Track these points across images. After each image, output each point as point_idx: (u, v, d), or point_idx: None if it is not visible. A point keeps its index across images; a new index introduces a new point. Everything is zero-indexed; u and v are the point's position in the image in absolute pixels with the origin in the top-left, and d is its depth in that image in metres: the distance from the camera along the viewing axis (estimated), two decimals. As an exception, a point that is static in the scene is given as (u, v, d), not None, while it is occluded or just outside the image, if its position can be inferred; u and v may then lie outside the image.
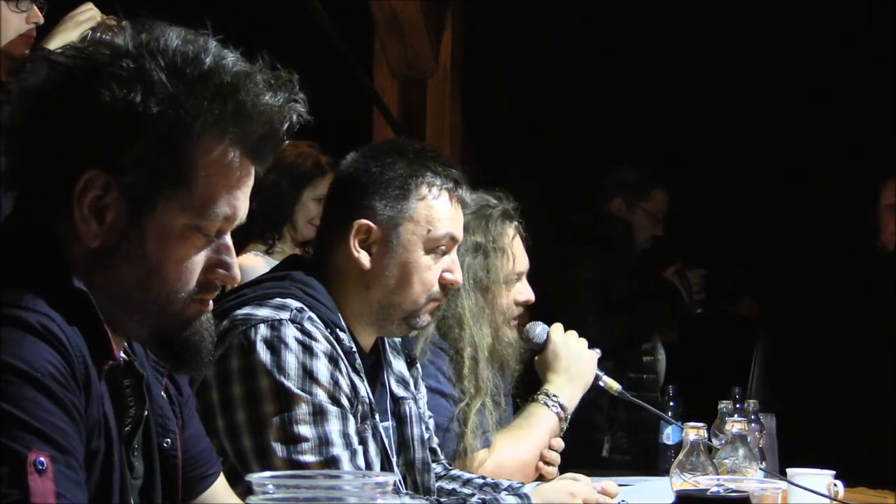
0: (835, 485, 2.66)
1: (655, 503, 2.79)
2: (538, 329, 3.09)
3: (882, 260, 4.43)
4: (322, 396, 2.20)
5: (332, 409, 2.21)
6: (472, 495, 2.55)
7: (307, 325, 2.25)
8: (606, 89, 5.90)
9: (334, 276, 2.39)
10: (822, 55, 5.64)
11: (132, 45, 1.54)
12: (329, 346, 2.26)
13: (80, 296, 1.51)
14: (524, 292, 3.02)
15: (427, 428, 2.62)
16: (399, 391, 2.53)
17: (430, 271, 2.40)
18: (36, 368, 1.41)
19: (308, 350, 2.22)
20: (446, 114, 5.52)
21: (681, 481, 2.48)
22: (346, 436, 2.21)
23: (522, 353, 3.05)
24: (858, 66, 5.58)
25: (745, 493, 1.73)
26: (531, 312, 3.28)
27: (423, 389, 2.70)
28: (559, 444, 3.02)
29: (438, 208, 2.39)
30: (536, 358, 3.09)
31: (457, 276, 2.46)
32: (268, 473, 1.27)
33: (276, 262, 3.07)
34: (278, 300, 2.29)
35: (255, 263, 3.75)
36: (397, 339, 2.60)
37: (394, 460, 2.41)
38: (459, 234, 2.46)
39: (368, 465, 2.28)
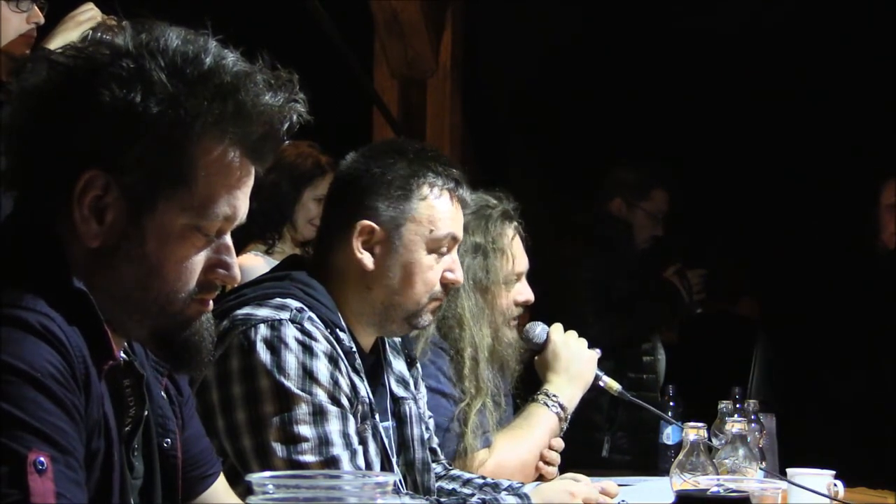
0: (835, 485, 2.66)
1: (655, 503, 2.78)
2: (538, 329, 3.09)
3: (882, 260, 4.43)
4: (322, 396, 2.20)
5: (332, 409, 2.21)
6: (472, 495, 2.55)
7: (307, 325, 2.25)
8: (606, 89, 5.90)
9: (335, 276, 2.39)
10: (822, 55, 5.64)
11: (132, 45, 1.54)
12: (329, 346, 2.26)
13: (80, 296, 1.51)
14: (524, 293, 3.02)
15: (427, 428, 2.62)
16: (399, 391, 2.53)
17: (432, 271, 2.40)
18: (36, 368, 1.41)
19: (308, 350, 2.22)
20: (446, 114, 5.52)
21: (681, 481, 2.48)
22: (346, 436, 2.21)
23: (522, 353, 3.05)
24: (858, 66, 5.58)
25: (745, 493, 1.73)
26: (531, 312, 3.28)
27: (423, 389, 2.70)
28: (559, 444, 3.02)
29: (440, 208, 2.40)
30: (536, 358, 3.09)
31: (458, 275, 2.47)
32: (268, 473, 1.27)
33: (276, 262, 3.07)
34: (278, 300, 2.29)
35: (255, 263, 3.75)
36: (397, 339, 2.60)
37: (394, 460, 2.41)
38: (460, 234, 2.47)
39: (368, 465, 2.28)
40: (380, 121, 5.28)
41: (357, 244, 2.35)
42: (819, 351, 4.49)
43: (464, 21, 5.66)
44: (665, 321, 4.99)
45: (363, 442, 2.28)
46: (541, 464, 2.97)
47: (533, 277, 3.08)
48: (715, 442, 2.94)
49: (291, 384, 2.19)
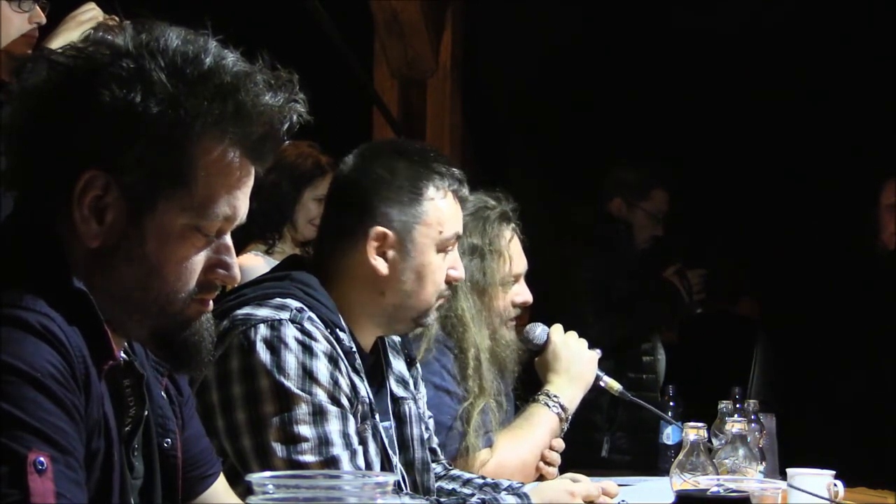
0: (835, 485, 2.66)
1: (655, 503, 2.79)
2: (538, 330, 3.09)
3: (882, 260, 4.43)
4: (322, 396, 2.20)
5: (332, 409, 2.21)
6: (472, 495, 2.55)
7: (307, 325, 2.25)
8: (606, 89, 5.90)
9: (343, 280, 2.39)
10: (822, 55, 5.64)
11: (132, 45, 1.54)
12: (329, 346, 2.26)
13: (80, 296, 1.51)
14: (522, 294, 3.02)
15: (427, 428, 2.62)
16: (399, 391, 2.53)
17: (441, 271, 2.43)
18: (36, 368, 1.41)
19: (308, 350, 2.22)
20: (446, 114, 5.52)
21: (681, 481, 2.48)
22: (345, 436, 2.21)
23: (522, 353, 3.05)
24: (858, 66, 5.58)
25: (745, 493, 1.73)
26: (531, 313, 3.28)
27: (422, 389, 2.70)
28: (560, 444, 3.02)
29: (446, 209, 2.41)
30: (537, 359, 3.10)
31: (460, 272, 2.49)
32: (268, 473, 1.27)
33: (276, 262, 3.07)
34: (278, 300, 2.29)
35: (255, 263, 3.75)
36: (397, 339, 2.60)
37: (394, 460, 2.41)
38: (461, 231, 2.48)
39: (368, 465, 2.28)
40: (380, 121, 5.29)
41: (371, 251, 2.36)
42: (819, 351, 4.49)
43: (464, 21, 5.66)
44: (665, 321, 4.99)
45: (363, 442, 2.28)
46: (541, 464, 2.97)
47: (533, 278, 3.08)
48: (715, 442, 2.94)
49: (291, 384, 2.19)
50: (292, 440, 2.17)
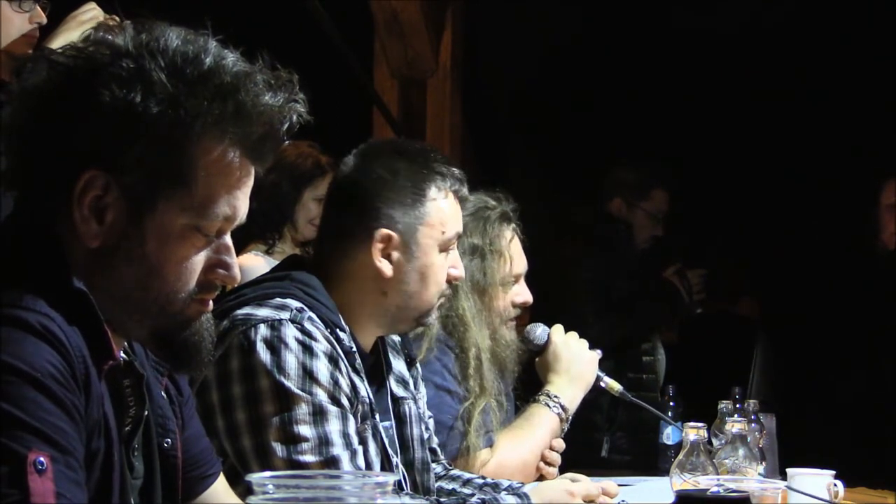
0: (835, 485, 2.66)
1: (655, 503, 2.79)
2: (539, 330, 3.09)
3: (882, 260, 4.43)
4: (322, 396, 2.20)
5: (332, 409, 2.21)
6: (472, 495, 2.56)
7: (307, 325, 2.25)
8: (606, 89, 5.90)
9: (345, 280, 2.39)
10: (822, 55, 5.64)
11: (132, 45, 1.54)
12: (329, 346, 2.26)
13: (80, 296, 1.51)
14: (522, 294, 3.02)
15: (427, 428, 2.62)
16: (399, 391, 2.53)
17: (443, 271, 2.44)
18: (36, 368, 1.41)
19: (308, 350, 2.22)
20: (446, 114, 5.52)
21: (681, 481, 2.48)
22: (346, 436, 2.21)
23: (523, 354, 3.05)
24: (858, 66, 5.58)
25: (745, 493, 1.73)
26: (531, 313, 3.28)
27: (422, 389, 2.70)
28: (560, 444, 3.02)
29: (447, 209, 2.42)
30: (537, 359, 3.10)
31: (460, 270, 2.51)
32: (268, 473, 1.27)
33: (276, 262, 3.07)
34: (278, 300, 2.29)
35: (255, 263, 3.75)
36: (396, 339, 2.60)
37: (394, 460, 2.41)
38: (461, 230, 2.49)
39: (368, 465, 2.28)
40: (380, 121, 5.28)
41: (376, 253, 2.36)
42: (819, 351, 4.49)
43: (464, 21, 5.66)
44: (665, 321, 4.99)
45: (363, 442, 2.28)
46: (541, 464, 2.97)
47: (533, 278, 3.08)
48: (715, 442, 2.94)
49: (291, 384, 2.19)
50: (292, 440, 2.17)
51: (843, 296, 4.45)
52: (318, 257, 2.49)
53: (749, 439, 2.82)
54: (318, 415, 2.19)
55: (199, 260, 1.59)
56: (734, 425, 2.77)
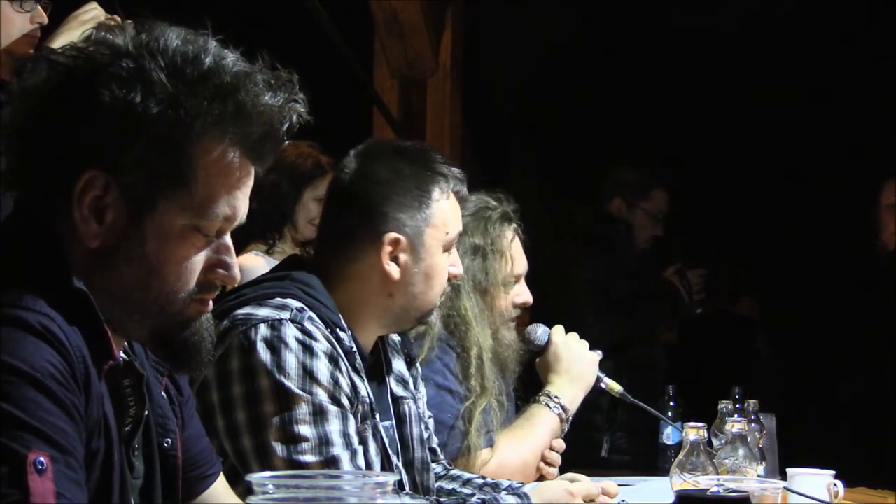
0: (835, 485, 2.66)
1: (655, 503, 2.79)
2: (539, 331, 3.09)
3: (882, 260, 4.43)
4: (322, 396, 2.20)
5: (333, 409, 2.21)
6: (472, 495, 2.55)
7: (307, 324, 2.25)
8: (606, 89, 5.90)
9: (347, 281, 2.39)
10: (822, 55, 5.64)
11: (132, 45, 1.54)
12: (329, 346, 2.26)
13: (80, 296, 1.51)
14: (522, 294, 3.03)
15: (427, 427, 2.62)
16: (398, 391, 2.53)
17: (446, 270, 2.46)
18: (36, 368, 1.41)
19: (308, 350, 2.22)
20: (446, 114, 5.52)
21: (681, 481, 2.48)
22: (346, 436, 2.21)
23: (523, 354, 3.05)
24: (858, 66, 5.59)
25: (745, 493, 1.73)
26: (532, 313, 3.28)
27: (422, 389, 2.70)
28: (560, 444, 3.02)
29: (449, 210, 2.43)
30: (538, 360, 3.10)
31: (460, 268, 2.52)
32: (268, 473, 1.27)
33: (276, 262, 3.07)
34: (278, 300, 2.29)
35: (255, 263, 3.75)
36: (396, 339, 2.60)
37: (394, 460, 2.41)
38: (461, 229, 2.51)
39: (368, 465, 2.28)
40: (380, 121, 5.28)
41: (385, 256, 2.36)
42: (819, 351, 4.50)
43: (464, 21, 5.66)
44: (665, 321, 4.99)
45: (363, 442, 2.28)
46: (542, 464, 2.97)
47: (533, 278, 3.08)
48: (715, 442, 2.94)
49: (292, 384, 2.19)
50: (292, 440, 2.17)
51: (843, 296, 4.46)
52: (318, 258, 2.49)
53: (749, 439, 2.82)
54: (319, 415, 2.19)
55: (199, 260, 1.59)
56: (734, 425, 2.77)
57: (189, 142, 1.54)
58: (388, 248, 2.36)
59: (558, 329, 3.11)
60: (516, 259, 3.00)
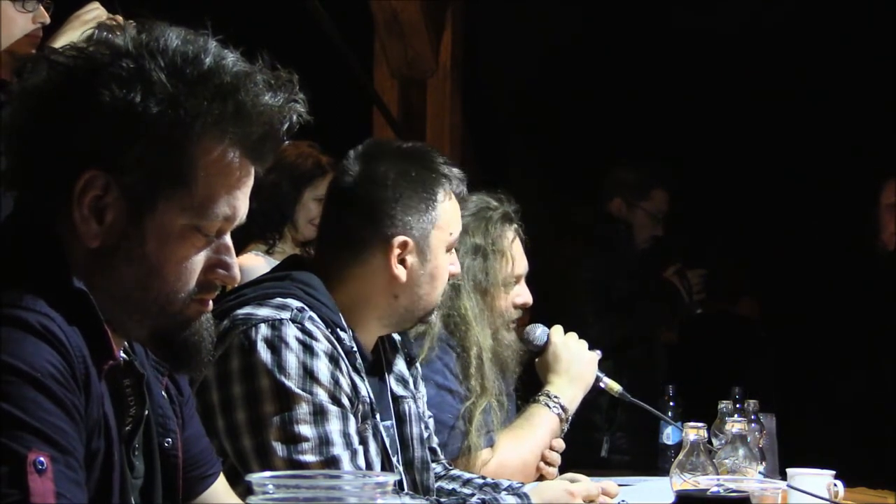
0: (835, 485, 2.66)
1: (655, 503, 2.79)
2: (538, 331, 3.09)
3: (882, 260, 4.43)
4: (322, 396, 2.20)
5: (333, 409, 2.21)
6: (472, 495, 2.55)
7: (308, 324, 2.25)
8: (606, 89, 5.90)
9: (350, 282, 2.39)
10: (822, 55, 5.64)
11: (132, 45, 1.54)
12: (330, 346, 2.26)
13: (80, 296, 1.51)
14: (522, 295, 3.03)
15: (427, 427, 2.62)
16: (399, 390, 2.53)
17: (447, 270, 2.47)
18: (36, 368, 1.41)
19: (309, 350, 2.22)
20: (446, 114, 5.52)
21: (681, 481, 2.48)
22: (346, 435, 2.21)
23: (523, 354, 3.05)
24: (858, 66, 5.59)
25: (745, 493, 1.73)
26: (532, 313, 3.28)
27: (422, 389, 2.70)
28: (560, 444, 3.02)
29: (451, 210, 2.44)
30: (537, 360, 3.09)
31: (458, 267, 2.53)
32: (268, 473, 1.27)
33: (276, 262, 3.07)
34: (279, 300, 2.28)
35: (255, 263, 3.75)
36: (397, 338, 2.60)
37: (394, 460, 2.41)
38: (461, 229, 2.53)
39: (369, 465, 2.28)
40: (380, 121, 5.28)
41: (393, 259, 2.37)
42: (819, 351, 4.50)
43: (464, 21, 5.66)
44: (665, 321, 4.99)
45: (363, 442, 2.28)
46: (541, 464, 2.97)
47: (533, 278, 3.08)
48: (715, 442, 2.94)
49: (292, 384, 2.19)
50: (293, 440, 2.17)
51: (843, 296, 4.46)
52: (319, 258, 2.49)
53: (749, 439, 2.82)
54: (319, 414, 2.19)
55: (199, 260, 1.59)
56: (734, 425, 2.77)
57: (189, 142, 1.54)
58: (396, 251, 2.37)
59: (557, 329, 3.11)
60: (517, 259, 3.00)
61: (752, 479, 2.62)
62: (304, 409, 2.18)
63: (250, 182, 1.62)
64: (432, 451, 2.65)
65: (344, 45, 4.63)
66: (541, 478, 2.94)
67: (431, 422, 2.70)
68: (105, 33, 1.57)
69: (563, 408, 3.00)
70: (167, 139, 1.53)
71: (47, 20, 2.61)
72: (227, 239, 1.62)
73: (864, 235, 4.54)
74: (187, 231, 1.56)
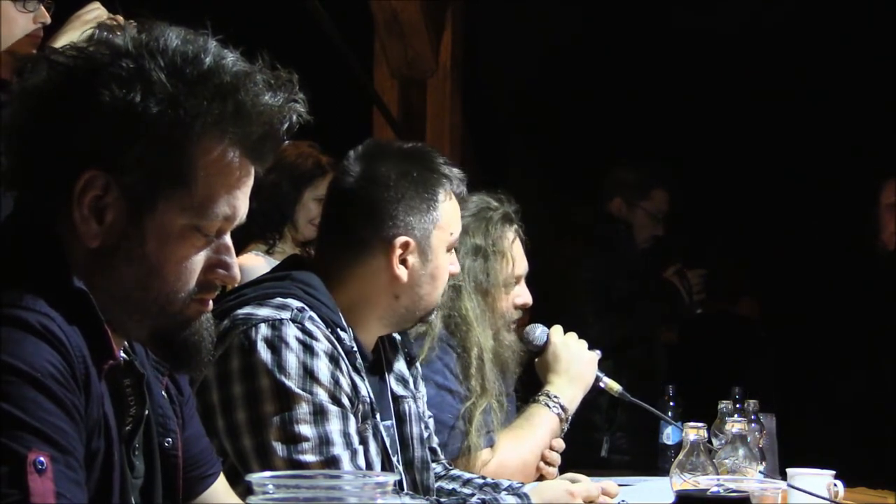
0: (835, 485, 2.66)
1: (655, 503, 2.79)
2: (538, 331, 3.09)
3: (882, 260, 4.43)
4: (323, 396, 2.20)
5: (333, 409, 2.21)
6: (472, 495, 2.56)
7: (308, 324, 2.25)
8: (606, 89, 5.90)
9: (351, 282, 2.39)
10: (822, 55, 5.64)
11: (132, 45, 1.54)
12: (330, 346, 2.26)
13: (80, 296, 1.51)
14: (522, 295, 3.03)
15: (426, 427, 2.62)
16: (399, 390, 2.53)
17: (448, 270, 2.47)
18: (36, 368, 1.41)
19: (309, 349, 2.22)
20: (446, 114, 5.52)
21: (681, 481, 2.48)
22: (346, 435, 2.21)
23: (523, 354, 3.05)
24: (858, 66, 5.59)
25: (745, 493, 1.73)
26: (531, 313, 3.28)
27: (422, 388, 2.70)
28: (560, 444, 3.02)
29: (452, 211, 2.45)
30: (537, 360, 3.10)
31: (457, 266, 2.54)
32: (268, 473, 1.27)
33: (276, 262, 3.07)
34: (279, 300, 2.29)
35: (255, 263, 3.75)
36: (397, 338, 2.60)
37: (394, 460, 2.41)
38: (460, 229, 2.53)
39: (369, 465, 2.28)
40: (380, 121, 5.29)
41: (395, 260, 2.37)
42: (819, 351, 4.50)
43: (464, 21, 5.66)
44: (665, 321, 4.99)
45: (364, 441, 2.28)
46: (541, 464, 2.97)
47: (533, 278, 3.08)
48: (715, 442, 2.94)
49: (292, 383, 2.19)
50: (293, 440, 2.17)
51: (843, 296, 4.46)
52: (319, 258, 2.49)
53: (749, 439, 2.82)
54: (319, 414, 2.19)
55: (199, 260, 1.59)
56: (734, 425, 2.77)
57: (189, 142, 1.54)
58: (398, 252, 2.37)
59: (557, 329, 3.11)
60: (517, 260, 3.00)
61: (752, 479, 2.62)
62: (304, 409, 2.18)
63: (250, 182, 1.62)
64: (432, 450, 2.65)
65: (344, 45, 4.63)
66: (541, 478, 2.94)
67: (431, 422, 2.70)
68: (105, 33, 1.57)
69: (562, 408, 3.00)
70: (167, 139, 1.53)
71: (48, 20, 2.61)
72: (227, 239, 1.62)
73: (864, 235, 4.54)
74: (187, 231, 1.56)
